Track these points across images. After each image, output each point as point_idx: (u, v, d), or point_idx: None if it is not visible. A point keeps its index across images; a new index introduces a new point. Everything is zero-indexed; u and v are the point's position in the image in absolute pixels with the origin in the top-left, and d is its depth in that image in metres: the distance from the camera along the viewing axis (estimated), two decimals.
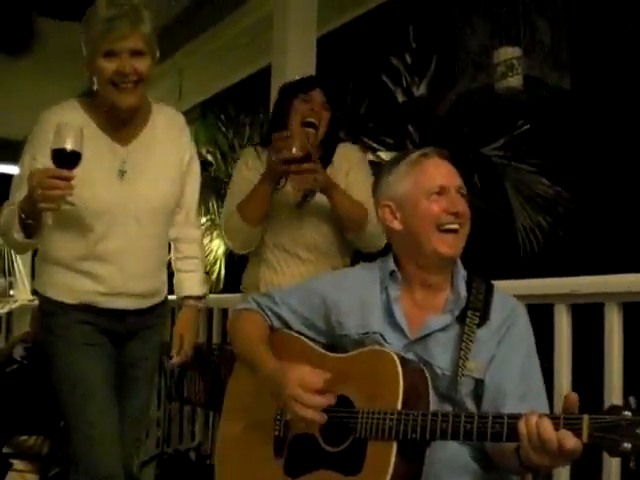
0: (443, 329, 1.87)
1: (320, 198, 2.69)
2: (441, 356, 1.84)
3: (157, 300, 2.57)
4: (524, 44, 3.20)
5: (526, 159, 8.35)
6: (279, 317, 2.07)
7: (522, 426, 1.50)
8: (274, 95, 3.65)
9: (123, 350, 2.54)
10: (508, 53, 3.19)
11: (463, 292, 1.90)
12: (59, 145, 2.11)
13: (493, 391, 1.80)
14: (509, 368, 1.82)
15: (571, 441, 1.43)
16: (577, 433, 1.43)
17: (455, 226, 1.89)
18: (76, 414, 2.38)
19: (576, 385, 2.42)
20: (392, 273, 1.96)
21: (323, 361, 1.93)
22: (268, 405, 1.92)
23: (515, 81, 3.17)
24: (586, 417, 1.43)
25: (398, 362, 1.74)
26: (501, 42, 3.23)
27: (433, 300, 1.93)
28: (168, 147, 2.50)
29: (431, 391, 1.76)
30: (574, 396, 1.49)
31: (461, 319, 1.86)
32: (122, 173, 2.39)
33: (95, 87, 2.35)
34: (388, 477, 1.64)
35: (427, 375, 1.78)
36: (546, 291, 2.47)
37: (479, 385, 1.83)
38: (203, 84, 5.56)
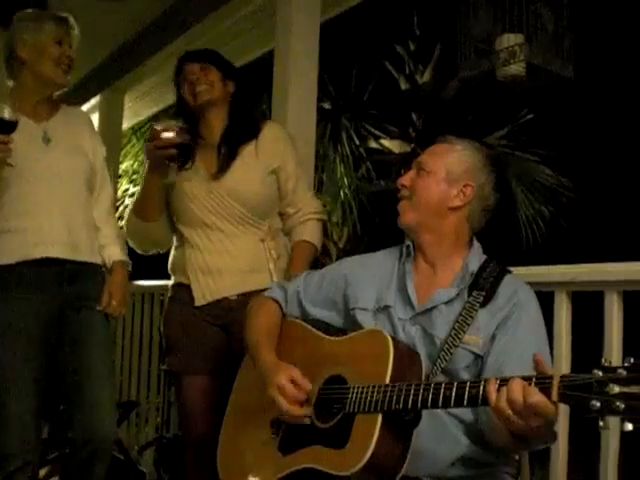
0: (447, 302, 1.94)
1: (235, 166, 2.70)
2: (442, 328, 1.91)
3: (88, 257, 2.74)
4: (527, 31, 3.19)
5: (529, 148, 8.34)
6: (300, 300, 2.18)
7: (492, 389, 1.53)
8: (277, 80, 3.67)
9: (66, 330, 2.70)
10: (511, 40, 3.17)
11: (472, 269, 1.98)
12: None
13: (493, 373, 1.82)
14: (512, 352, 1.85)
15: (535, 396, 1.45)
16: (547, 392, 1.45)
17: (400, 196, 2.08)
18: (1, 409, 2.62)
19: (575, 372, 2.41)
20: (408, 247, 2.07)
21: (321, 344, 2.02)
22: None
23: (517, 68, 3.16)
24: (556, 376, 1.45)
25: (390, 340, 1.80)
26: (504, 29, 3.22)
27: (443, 275, 2.01)
28: (82, 130, 2.85)
29: (424, 373, 1.81)
30: (539, 355, 1.52)
31: (467, 295, 1.93)
32: (47, 140, 2.73)
33: (11, 83, 2.80)
34: (371, 447, 1.67)
35: (421, 359, 1.83)
36: (546, 279, 2.46)
37: (478, 361, 1.88)
38: None
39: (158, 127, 2.56)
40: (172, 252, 2.87)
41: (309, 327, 2.10)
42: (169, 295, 2.88)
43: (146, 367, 4.60)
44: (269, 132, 2.81)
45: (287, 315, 2.20)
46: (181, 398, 2.79)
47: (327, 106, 8.74)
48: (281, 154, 2.79)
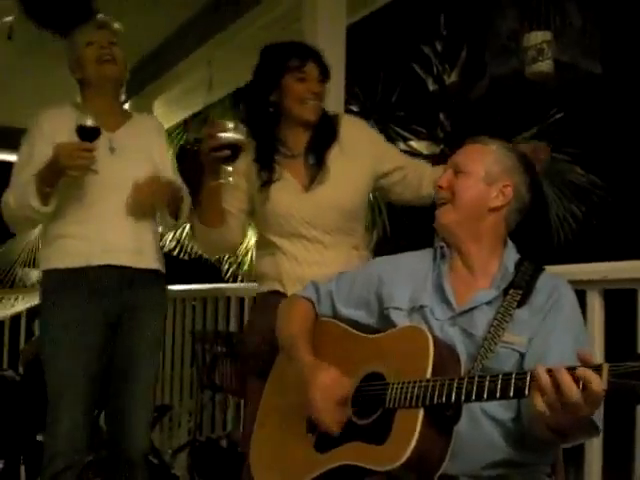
0: (488, 303, 1.93)
1: (328, 176, 2.57)
2: (483, 328, 1.89)
3: (151, 264, 2.83)
4: (554, 28, 3.16)
5: (559, 148, 8.29)
6: (332, 300, 2.17)
7: (541, 374, 1.51)
8: None
9: (121, 335, 2.79)
10: (538, 37, 3.14)
11: (511, 269, 1.97)
12: (82, 122, 2.56)
13: (535, 364, 1.81)
14: (552, 342, 1.84)
15: (593, 378, 1.43)
16: None
17: (439, 200, 2.06)
18: (55, 410, 2.69)
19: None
20: (442, 249, 2.06)
21: (357, 342, 2.01)
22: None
23: (545, 66, 3.13)
24: (605, 365, 1.43)
25: (430, 337, 1.78)
26: (531, 26, 3.19)
27: (481, 276, 2.00)
28: (149, 137, 2.93)
29: (463, 368, 1.79)
30: (583, 350, 1.51)
31: (504, 294, 1.92)
32: (112, 150, 2.78)
33: (78, 98, 2.92)
34: (413, 444, 1.65)
35: (459, 355, 1.81)
36: (578, 277, 2.44)
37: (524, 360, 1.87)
38: (233, 75, 5.54)
39: (211, 127, 2.43)
40: (260, 259, 2.69)
41: (344, 325, 2.10)
42: (257, 302, 2.77)
43: (179, 371, 4.63)
44: (347, 130, 2.66)
45: (320, 314, 2.19)
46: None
47: (355, 109, 8.74)
48: (372, 149, 2.67)
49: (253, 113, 2.66)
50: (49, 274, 2.79)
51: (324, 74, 2.61)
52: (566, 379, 1.47)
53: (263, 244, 2.68)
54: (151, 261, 2.83)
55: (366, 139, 2.71)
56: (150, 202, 2.78)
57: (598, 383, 1.43)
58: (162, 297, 2.94)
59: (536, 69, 3.18)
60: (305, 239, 2.57)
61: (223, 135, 2.37)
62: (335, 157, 2.60)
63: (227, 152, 2.38)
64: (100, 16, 2.93)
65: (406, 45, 8.63)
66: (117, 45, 2.88)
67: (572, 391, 1.46)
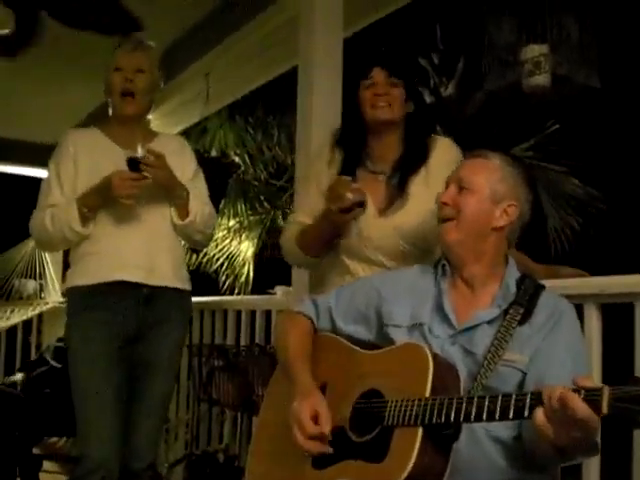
0: (489, 322, 1.91)
1: (405, 203, 2.49)
2: (483, 346, 1.87)
3: (166, 282, 2.86)
4: (551, 41, 3.17)
5: (557, 159, 8.30)
6: (331, 316, 2.14)
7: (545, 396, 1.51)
8: (301, 97, 3.67)
9: (137, 349, 2.83)
10: (535, 50, 3.15)
11: (512, 288, 1.95)
12: (132, 154, 2.68)
13: (534, 384, 1.80)
14: (551, 363, 1.83)
15: (579, 409, 1.44)
16: (597, 404, 1.43)
17: (442, 217, 2.02)
18: (84, 422, 2.74)
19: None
20: (443, 267, 2.03)
21: (356, 358, 2.00)
22: None
23: (543, 79, 3.14)
24: (606, 388, 1.43)
25: (429, 355, 1.77)
26: (528, 40, 3.20)
27: (482, 294, 1.98)
28: (170, 153, 2.85)
29: (462, 386, 1.77)
30: (579, 378, 1.51)
31: (506, 313, 1.91)
32: None
33: (110, 112, 2.96)
34: (411, 462, 1.64)
35: (459, 373, 1.80)
36: (575, 291, 2.43)
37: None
38: (230, 87, 5.56)
39: (338, 186, 2.36)
40: (331, 278, 2.60)
41: (343, 341, 2.08)
42: None
43: (175, 384, 4.60)
44: (439, 154, 2.56)
45: (319, 329, 2.17)
46: None
47: None
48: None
49: (347, 131, 2.66)
50: (71, 292, 2.87)
51: (395, 76, 2.56)
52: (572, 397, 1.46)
53: (333, 262, 2.61)
54: (165, 279, 2.86)
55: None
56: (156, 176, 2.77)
57: (586, 409, 1.44)
58: (182, 313, 2.96)
59: (533, 82, 3.19)
60: (373, 263, 2.51)
61: (350, 195, 2.32)
62: (418, 183, 2.52)
63: (360, 210, 2.35)
64: (137, 36, 3.01)
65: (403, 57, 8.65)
66: (146, 72, 2.90)
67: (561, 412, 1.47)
